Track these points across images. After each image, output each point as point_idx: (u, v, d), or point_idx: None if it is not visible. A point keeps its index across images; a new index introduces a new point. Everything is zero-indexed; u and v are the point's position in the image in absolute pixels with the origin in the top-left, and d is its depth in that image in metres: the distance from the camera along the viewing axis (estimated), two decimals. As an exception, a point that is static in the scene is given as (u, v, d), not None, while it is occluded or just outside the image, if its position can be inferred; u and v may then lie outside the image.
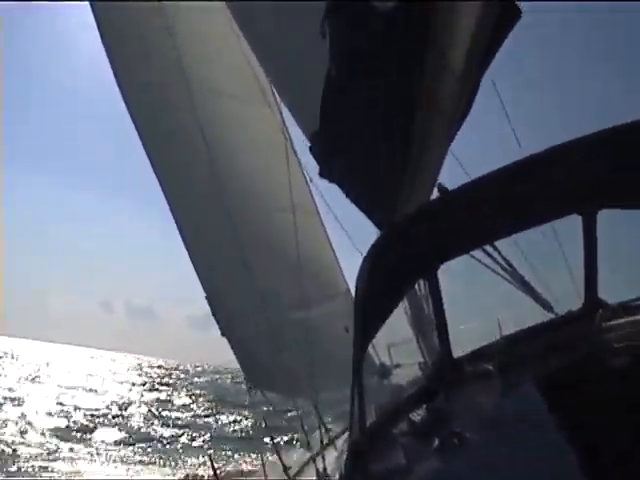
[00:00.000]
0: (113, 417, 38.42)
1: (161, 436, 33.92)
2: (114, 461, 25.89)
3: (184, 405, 50.37)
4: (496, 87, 6.68)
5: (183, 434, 34.44)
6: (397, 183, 4.64)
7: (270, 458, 10.06)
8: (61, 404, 39.46)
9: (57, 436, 28.86)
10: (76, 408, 38.75)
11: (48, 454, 24.93)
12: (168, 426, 37.32)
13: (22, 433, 28.23)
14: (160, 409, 44.80)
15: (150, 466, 25.80)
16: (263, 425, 11.14)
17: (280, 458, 8.47)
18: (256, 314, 8.54)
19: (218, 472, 19.60)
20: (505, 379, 3.25)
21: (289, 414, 10.69)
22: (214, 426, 39.18)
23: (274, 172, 8.95)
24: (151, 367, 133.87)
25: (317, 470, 6.82)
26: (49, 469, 22.39)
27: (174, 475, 24.56)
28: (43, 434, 28.93)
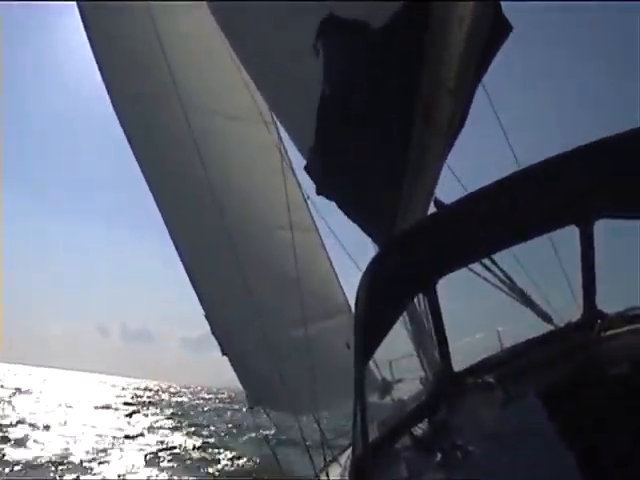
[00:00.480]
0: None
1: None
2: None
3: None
4: (491, 100, 6.75)
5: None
6: (394, 199, 4.66)
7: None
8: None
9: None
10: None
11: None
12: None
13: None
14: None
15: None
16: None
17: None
18: (256, 332, 8.54)
19: None
20: (506, 391, 3.26)
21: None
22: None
23: (272, 190, 8.98)
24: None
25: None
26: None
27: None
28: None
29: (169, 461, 25.06)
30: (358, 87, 4.11)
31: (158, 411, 55.94)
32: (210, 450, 29.15)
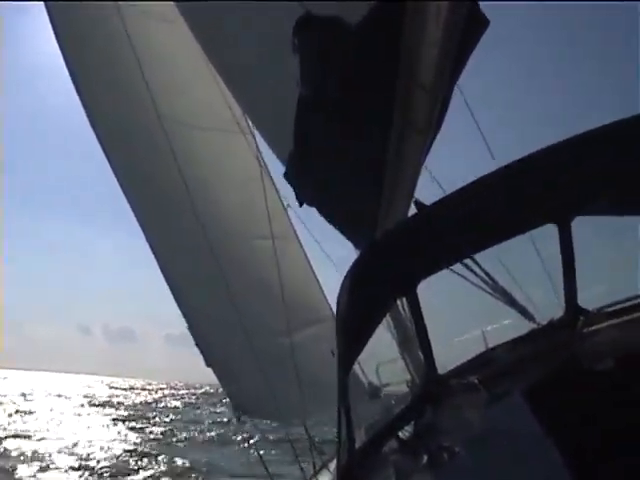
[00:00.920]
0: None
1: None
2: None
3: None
4: (467, 100, 6.76)
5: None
6: (374, 202, 4.65)
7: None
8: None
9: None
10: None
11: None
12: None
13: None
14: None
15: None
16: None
17: None
18: (239, 342, 8.52)
19: None
20: (490, 391, 3.25)
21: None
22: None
23: (251, 200, 8.98)
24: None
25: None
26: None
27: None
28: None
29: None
30: (334, 88, 4.09)
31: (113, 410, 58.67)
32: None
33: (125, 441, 35.35)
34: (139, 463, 27.80)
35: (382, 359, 8.32)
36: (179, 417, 52.69)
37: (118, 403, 72.12)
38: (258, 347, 8.59)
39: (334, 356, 4.19)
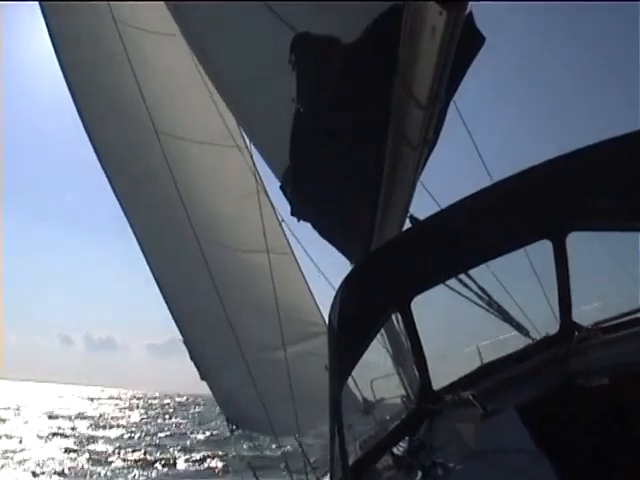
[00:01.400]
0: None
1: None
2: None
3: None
4: (462, 117, 6.77)
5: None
6: (369, 217, 4.65)
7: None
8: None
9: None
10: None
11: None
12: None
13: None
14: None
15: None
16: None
17: None
18: (233, 356, 8.49)
19: None
20: (485, 407, 3.24)
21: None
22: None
23: (246, 214, 8.98)
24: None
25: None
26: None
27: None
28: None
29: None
30: (331, 104, 4.10)
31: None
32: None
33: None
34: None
35: (376, 374, 8.29)
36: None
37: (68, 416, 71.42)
38: (252, 361, 8.56)
39: (327, 370, 4.18)
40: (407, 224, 4.95)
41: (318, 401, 5.26)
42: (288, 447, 10.36)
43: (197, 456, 33.42)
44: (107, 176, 8.86)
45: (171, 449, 37.34)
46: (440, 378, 4.28)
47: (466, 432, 3.23)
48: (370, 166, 4.28)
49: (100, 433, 47.88)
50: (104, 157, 8.81)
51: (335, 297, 3.92)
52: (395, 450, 3.94)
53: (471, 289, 5.38)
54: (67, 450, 36.18)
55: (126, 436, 46.61)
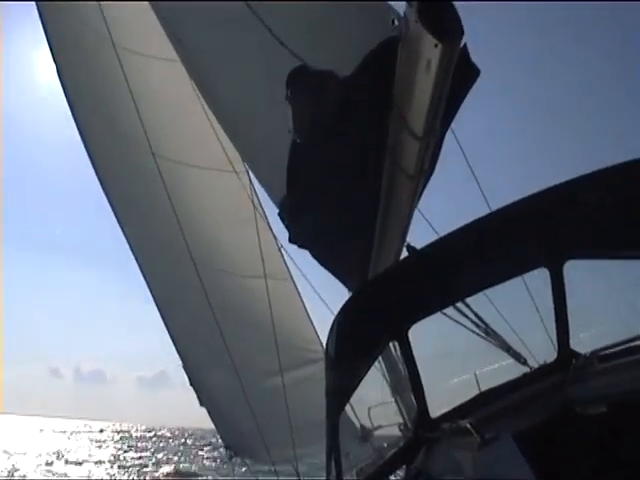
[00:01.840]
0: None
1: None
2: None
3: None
4: (460, 145, 6.81)
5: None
6: (366, 245, 4.67)
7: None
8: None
9: None
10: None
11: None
12: None
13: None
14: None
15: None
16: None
17: None
18: (232, 382, 8.48)
19: None
20: (482, 436, 3.24)
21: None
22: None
23: (245, 239, 8.99)
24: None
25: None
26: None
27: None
28: None
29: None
30: (327, 135, 4.13)
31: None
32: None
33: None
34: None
35: (374, 401, 8.27)
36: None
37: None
38: (250, 387, 8.55)
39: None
40: (404, 252, 4.97)
41: (316, 428, 5.25)
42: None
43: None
44: (108, 199, 8.92)
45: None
46: (437, 406, 4.27)
47: (464, 460, 3.22)
48: (367, 196, 4.30)
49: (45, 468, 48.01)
50: (105, 181, 8.87)
51: (332, 326, 3.92)
52: (392, 478, 3.93)
53: (468, 317, 5.39)
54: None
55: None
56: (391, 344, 5.38)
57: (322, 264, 5.19)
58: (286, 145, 4.38)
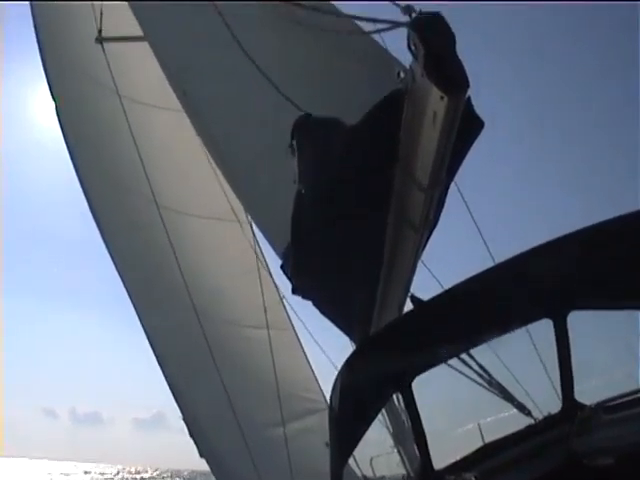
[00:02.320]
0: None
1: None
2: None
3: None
4: (464, 197, 6.85)
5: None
6: (369, 296, 4.67)
7: None
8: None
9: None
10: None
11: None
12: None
13: None
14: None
15: None
16: None
17: None
18: (233, 433, 8.41)
19: None
20: None
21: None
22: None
23: (247, 289, 9.00)
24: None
25: None
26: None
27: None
28: None
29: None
30: (332, 186, 4.15)
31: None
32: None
33: None
34: None
35: (377, 451, 8.21)
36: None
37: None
38: (251, 438, 8.48)
39: (328, 447, 4.15)
40: (408, 303, 4.98)
41: (319, 478, 5.20)
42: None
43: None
44: (108, 249, 8.93)
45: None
46: (441, 456, 4.24)
47: None
48: (371, 247, 4.31)
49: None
50: (106, 231, 8.89)
51: (336, 380, 3.91)
52: None
53: (472, 368, 5.37)
54: None
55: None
56: (394, 395, 5.36)
57: (325, 315, 5.18)
58: (290, 196, 4.40)
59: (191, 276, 8.50)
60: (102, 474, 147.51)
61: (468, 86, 2.95)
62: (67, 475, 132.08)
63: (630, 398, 3.89)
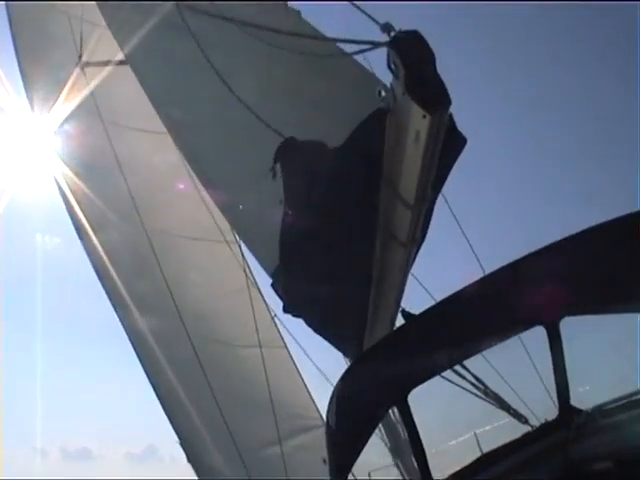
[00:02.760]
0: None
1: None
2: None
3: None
4: (452, 210, 6.88)
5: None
6: (361, 312, 4.68)
7: None
8: None
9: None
10: None
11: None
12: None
13: None
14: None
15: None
16: None
17: None
18: (230, 454, 8.38)
19: None
20: None
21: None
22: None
23: (239, 308, 8.99)
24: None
25: None
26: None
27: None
28: None
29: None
30: (319, 206, 4.17)
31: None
32: None
33: None
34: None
35: (375, 465, 8.19)
36: None
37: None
38: (249, 458, 8.45)
39: (326, 464, 4.15)
40: (399, 317, 4.99)
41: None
42: None
43: None
44: (97, 273, 8.90)
45: None
46: (439, 467, 4.23)
47: None
48: (360, 265, 4.33)
49: None
50: (95, 257, 8.86)
51: (332, 396, 3.91)
52: None
53: (466, 379, 5.38)
54: None
55: None
56: (391, 409, 5.35)
57: (318, 332, 5.18)
58: (277, 216, 4.41)
59: (182, 298, 8.49)
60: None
61: (449, 104, 2.97)
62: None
63: (626, 401, 3.90)
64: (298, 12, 5.47)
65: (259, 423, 9.05)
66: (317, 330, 5.18)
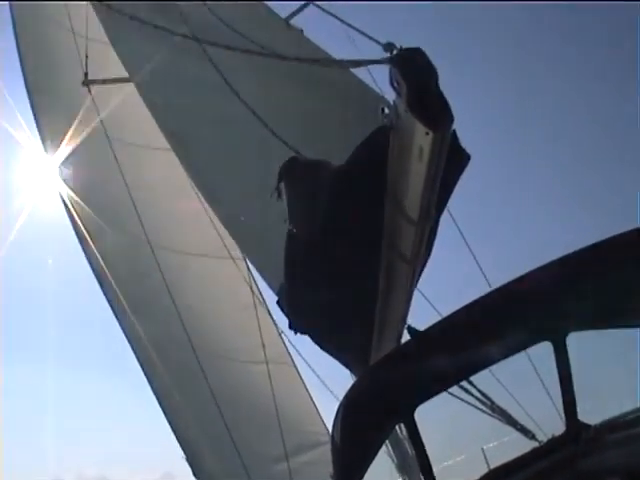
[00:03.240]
0: None
1: None
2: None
3: None
4: (458, 225, 6.88)
5: None
6: (367, 329, 4.67)
7: None
8: None
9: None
10: None
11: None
12: None
13: None
14: None
15: None
16: None
17: None
18: (238, 471, 8.36)
19: None
20: None
21: None
22: None
23: (245, 325, 8.98)
24: None
25: None
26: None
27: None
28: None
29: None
30: (323, 225, 4.17)
31: None
32: None
33: None
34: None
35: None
36: None
37: None
38: (256, 474, 8.44)
39: None
40: (405, 334, 4.98)
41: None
42: None
43: None
44: (105, 294, 8.91)
45: None
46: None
47: None
48: (365, 282, 4.33)
49: None
50: (102, 277, 8.87)
51: (337, 412, 3.90)
52: None
53: (473, 394, 5.37)
54: None
55: None
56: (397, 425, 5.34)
57: (324, 349, 5.18)
58: (282, 233, 4.43)
59: (189, 315, 8.51)
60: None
61: (452, 121, 2.97)
62: None
63: (634, 416, 3.88)
64: (300, 30, 5.51)
65: (266, 439, 9.04)
66: (323, 347, 5.18)
